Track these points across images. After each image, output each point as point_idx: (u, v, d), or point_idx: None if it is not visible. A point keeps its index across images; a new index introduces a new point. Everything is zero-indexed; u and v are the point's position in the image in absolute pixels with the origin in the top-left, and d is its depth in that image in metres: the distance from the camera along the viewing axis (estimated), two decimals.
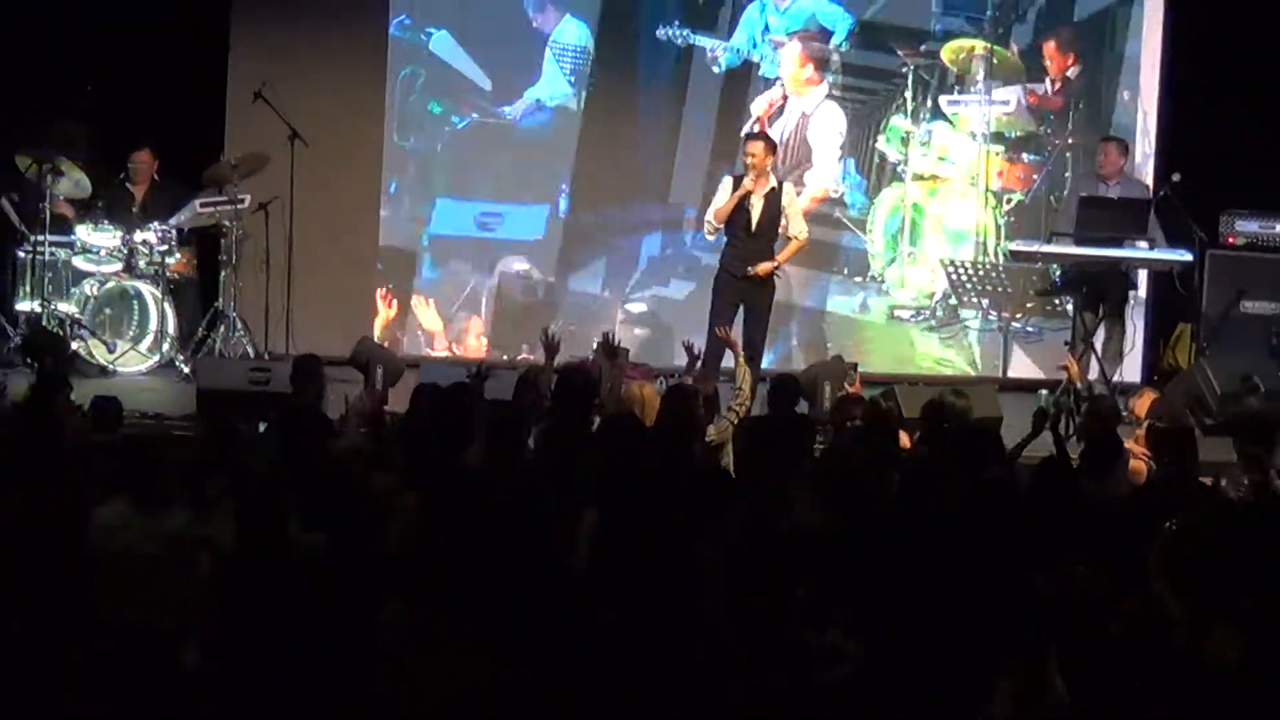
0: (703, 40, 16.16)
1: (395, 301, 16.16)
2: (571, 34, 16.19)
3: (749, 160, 13.49)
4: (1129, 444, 11.14)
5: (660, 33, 16.11)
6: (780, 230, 13.61)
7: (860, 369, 13.97)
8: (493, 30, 16.20)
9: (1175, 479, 9.50)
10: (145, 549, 7.97)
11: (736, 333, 13.25)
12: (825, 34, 16.30)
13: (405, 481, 8.79)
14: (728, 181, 13.80)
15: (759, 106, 16.19)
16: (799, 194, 13.92)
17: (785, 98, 16.22)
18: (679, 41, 16.12)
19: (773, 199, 13.47)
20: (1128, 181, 15.04)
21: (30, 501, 8.23)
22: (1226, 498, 9.85)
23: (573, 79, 16.23)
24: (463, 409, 10.12)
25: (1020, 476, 9.49)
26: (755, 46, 16.26)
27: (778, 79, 16.21)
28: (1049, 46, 16.44)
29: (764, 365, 14.73)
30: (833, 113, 16.30)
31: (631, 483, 8.64)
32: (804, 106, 16.24)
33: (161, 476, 8.33)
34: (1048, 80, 16.45)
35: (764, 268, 13.47)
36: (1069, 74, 16.46)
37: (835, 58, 16.30)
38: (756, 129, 15.85)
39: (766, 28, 16.29)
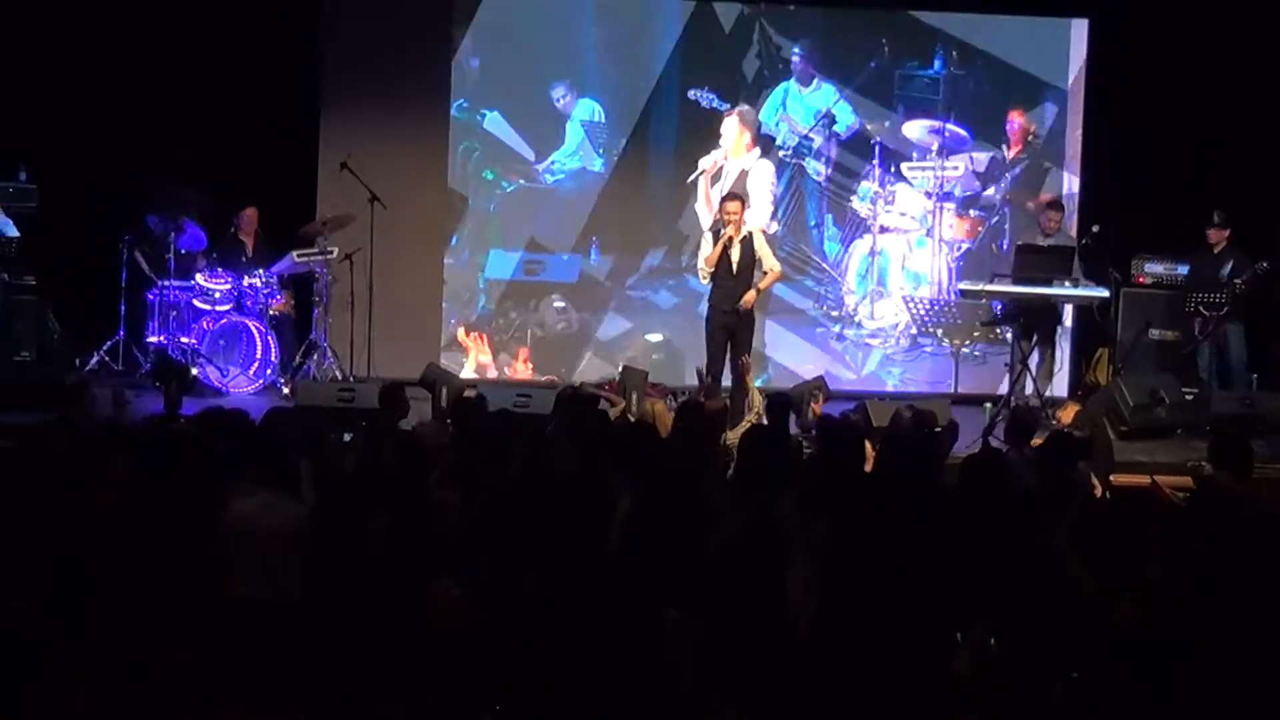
0: (724, 105, 16.23)
1: (485, 342, 16.28)
2: (590, 112, 16.24)
3: (729, 217, 13.45)
4: None
5: (691, 94, 16.18)
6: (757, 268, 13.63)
7: (836, 387, 14.00)
8: (533, 111, 16.23)
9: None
10: (276, 532, 7.97)
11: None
12: (832, 120, 16.36)
13: (454, 480, 8.84)
14: (707, 235, 13.84)
15: (705, 162, 16.21)
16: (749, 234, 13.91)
17: (726, 158, 16.26)
18: (705, 104, 16.17)
19: (747, 244, 13.49)
20: (1060, 234, 15.10)
21: (174, 496, 8.26)
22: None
23: (599, 149, 16.27)
24: (500, 425, 10.16)
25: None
26: (773, 121, 16.33)
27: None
28: (1016, 114, 16.45)
29: (761, 383, 14.82)
30: (765, 168, 16.31)
31: (654, 477, 8.67)
32: (743, 165, 16.25)
33: (289, 473, 8.36)
34: (1005, 146, 16.49)
35: (748, 299, 13.49)
36: (1029, 139, 16.49)
37: (831, 141, 16.39)
38: (706, 180, 16.13)
39: (785, 106, 16.34)
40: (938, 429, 11.01)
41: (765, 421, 11.68)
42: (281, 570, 7.85)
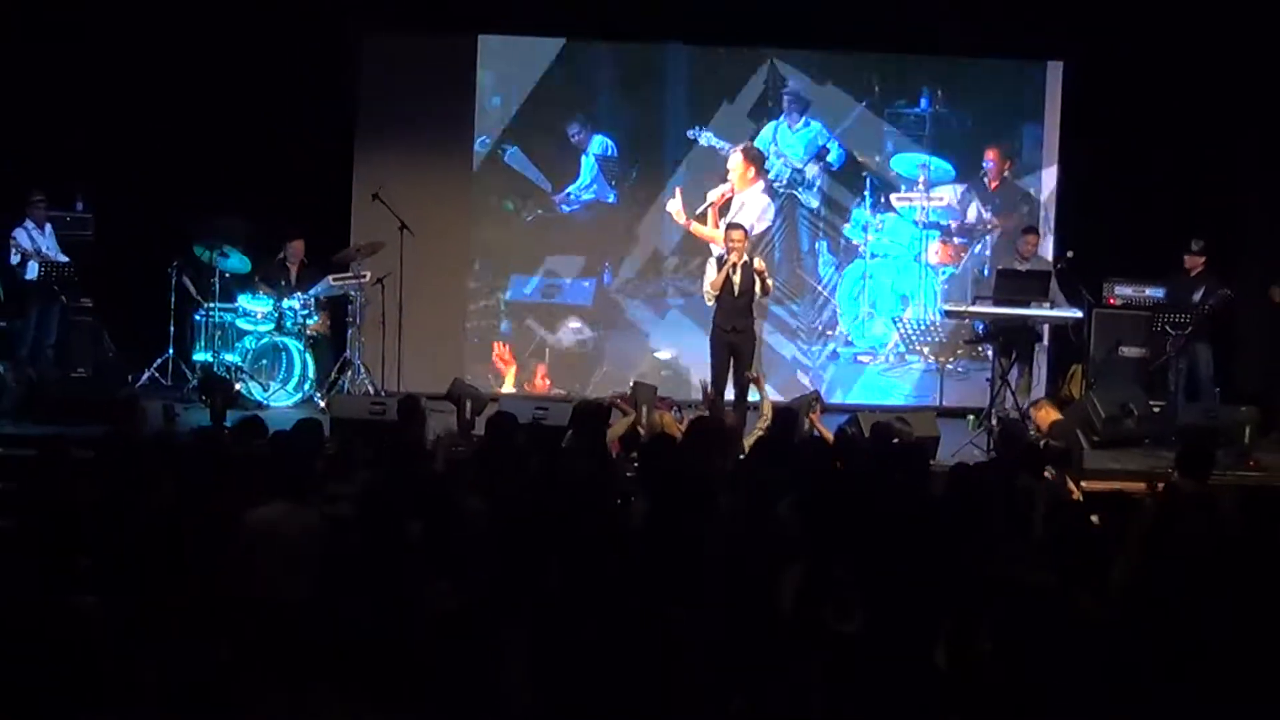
0: (721, 142, 16.30)
1: (514, 359, 16.38)
2: (603, 147, 16.33)
3: (733, 245, 13.59)
4: None
5: (690, 133, 16.27)
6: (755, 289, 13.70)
7: (829, 400, 14.05)
8: (549, 147, 16.32)
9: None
10: (291, 536, 8.03)
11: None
12: (824, 152, 16.44)
13: (479, 488, 8.92)
14: (713, 261, 13.95)
15: (713, 195, 16.30)
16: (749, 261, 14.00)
17: (733, 190, 16.35)
18: (703, 142, 16.26)
19: (747, 270, 13.58)
20: (1037, 260, 15.17)
21: (201, 501, 8.33)
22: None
23: (611, 181, 16.35)
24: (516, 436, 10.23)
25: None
26: (767, 157, 16.43)
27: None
28: (991, 153, 16.54)
29: (755, 398, 14.82)
30: (761, 202, 16.39)
31: (667, 482, 8.73)
32: (746, 197, 16.34)
33: (304, 483, 8.43)
34: (985, 179, 16.55)
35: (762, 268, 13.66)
36: (1005, 174, 16.56)
37: (824, 173, 16.47)
38: (714, 211, 16.21)
39: (776, 141, 16.42)
40: (895, 440, 11.03)
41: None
42: (297, 573, 7.91)
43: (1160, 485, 10.03)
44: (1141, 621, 7.13)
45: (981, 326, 14.93)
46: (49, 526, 8.14)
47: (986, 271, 16.13)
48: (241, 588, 7.89)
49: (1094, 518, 8.10)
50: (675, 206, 16.31)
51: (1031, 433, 12.82)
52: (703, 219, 16.30)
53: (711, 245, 15.77)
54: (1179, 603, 7.23)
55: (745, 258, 13.65)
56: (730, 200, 16.32)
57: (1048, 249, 16.10)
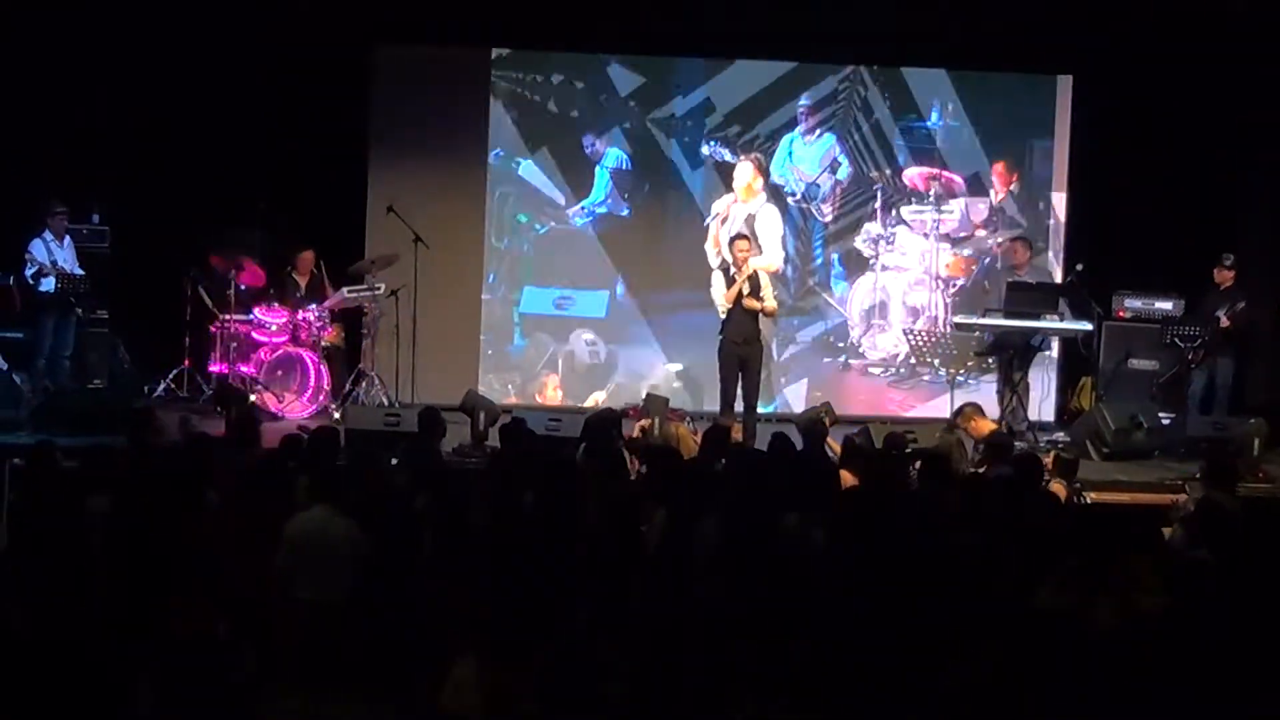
0: (731, 155, 16.30)
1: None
2: (618, 159, 16.32)
3: (739, 255, 13.60)
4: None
5: (705, 148, 16.28)
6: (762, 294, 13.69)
7: (840, 411, 14.02)
8: (564, 159, 16.32)
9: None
10: (332, 542, 8.06)
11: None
12: (836, 165, 16.43)
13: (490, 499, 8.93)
14: (718, 274, 13.94)
15: (719, 206, 16.30)
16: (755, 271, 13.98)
17: (736, 202, 16.32)
18: (718, 158, 16.26)
19: (754, 280, 13.59)
20: (1034, 271, 15.16)
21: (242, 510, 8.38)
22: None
23: (625, 194, 16.34)
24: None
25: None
26: (782, 170, 16.41)
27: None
28: (998, 167, 16.53)
29: (772, 408, 14.90)
30: (771, 213, 16.38)
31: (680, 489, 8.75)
32: (751, 209, 16.31)
33: (342, 492, 8.45)
34: (993, 193, 16.54)
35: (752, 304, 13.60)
36: (1012, 189, 16.54)
37: (836, 186, 16.46)
38: (718, 224, 16.20)
39: (791, 156, 16.41)
40: (908, 450, 10.99)
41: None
42: (334, 576, 7.94)
43: (1183, 497, 10.02)
44: (1166, 633, 7.10)
45: (990, 338, 14.92)
46: (47, 535, 8.17)
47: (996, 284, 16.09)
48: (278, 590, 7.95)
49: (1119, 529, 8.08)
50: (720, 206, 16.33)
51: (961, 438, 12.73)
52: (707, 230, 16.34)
53: (710, 258, 15.83)
54: (1217, 611, 7.20)
55: (751, 268, 13.65)
56: (732, 212, 16.31)
57: (1058, 262, 16.10)
